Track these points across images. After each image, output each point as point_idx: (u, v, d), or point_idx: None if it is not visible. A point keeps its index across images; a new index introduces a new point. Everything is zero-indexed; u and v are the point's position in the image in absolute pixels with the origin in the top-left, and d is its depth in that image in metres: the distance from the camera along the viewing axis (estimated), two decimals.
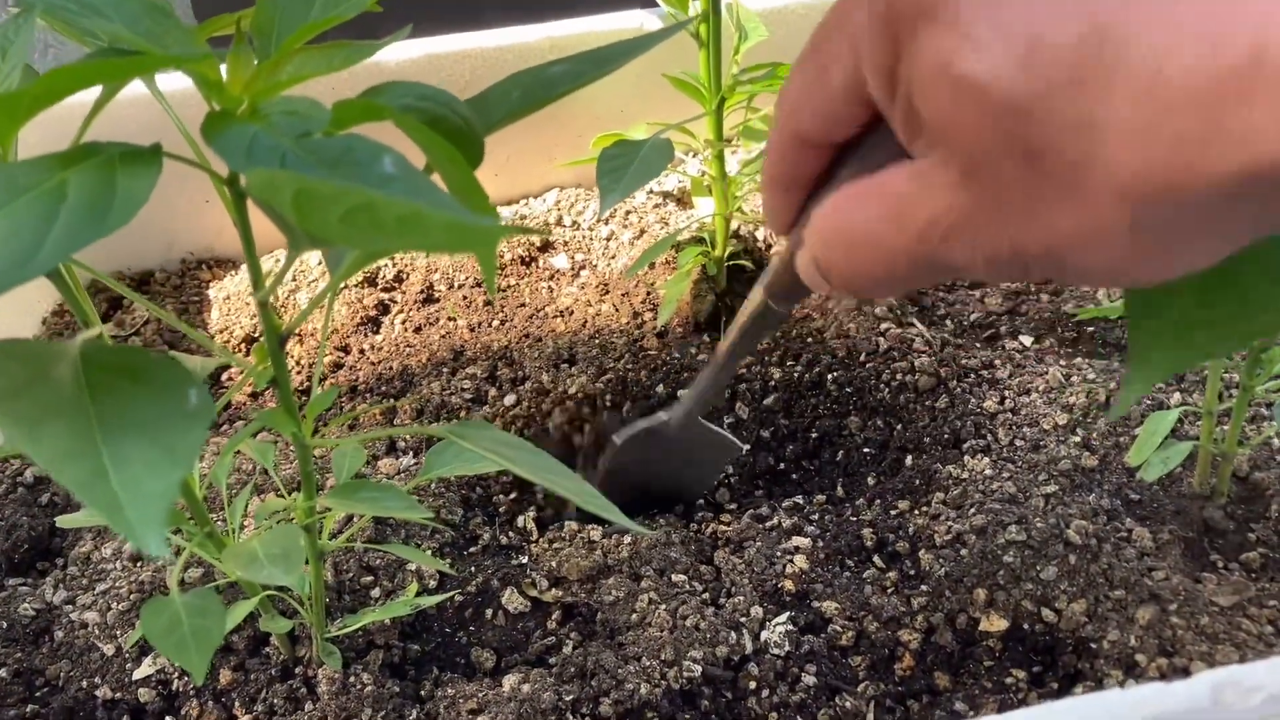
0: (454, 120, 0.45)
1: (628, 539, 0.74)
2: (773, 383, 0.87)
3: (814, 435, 0.84)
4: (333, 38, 0.44)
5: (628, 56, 0.51)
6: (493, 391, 0.87)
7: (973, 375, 0.86)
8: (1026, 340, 0.90)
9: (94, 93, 0.43)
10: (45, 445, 0.33)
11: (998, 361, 0.87)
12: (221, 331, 0.94)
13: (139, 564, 0.72)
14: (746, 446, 0.84)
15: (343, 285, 0.95)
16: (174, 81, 0.48)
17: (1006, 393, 0.83)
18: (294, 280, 0.97)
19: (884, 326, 0.90)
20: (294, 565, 0.51)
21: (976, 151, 0.34)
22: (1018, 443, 0.79)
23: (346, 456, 0.66)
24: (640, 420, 0.74)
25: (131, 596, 0.69)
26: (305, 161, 0.38)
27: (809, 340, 0.90)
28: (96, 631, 0.68)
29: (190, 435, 0.34)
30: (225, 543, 0.58)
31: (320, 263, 0.98)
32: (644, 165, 0.72)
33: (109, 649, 0.67)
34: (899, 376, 0.86)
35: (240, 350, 0.93)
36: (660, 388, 0.87)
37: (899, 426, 0.84)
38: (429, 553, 0.73)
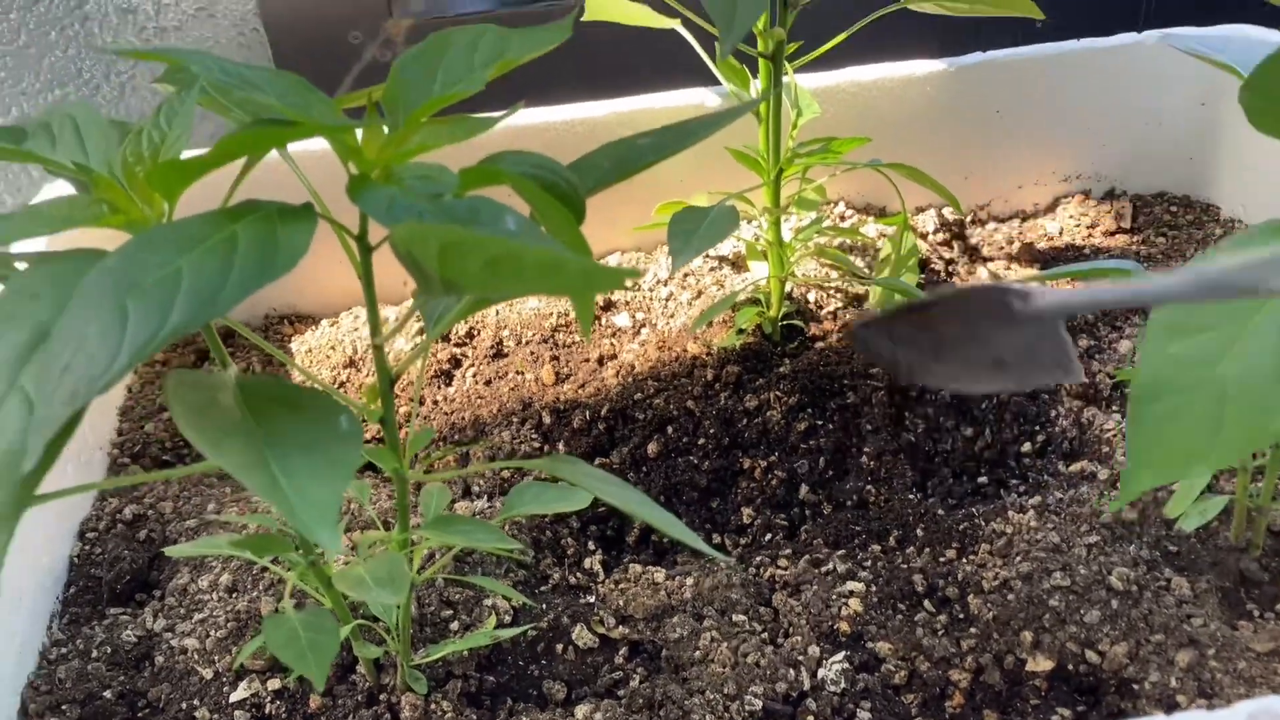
0: (562, 186, 0.50)
1: (690, 580, 0.78)
2: (824, 441, 0.92)
3: (866, 486, 0.88)
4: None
5: (708, 131, 0.57)
6: (561, 439, 0.92)
7: (1016, 429, 0.90)
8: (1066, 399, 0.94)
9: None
10: (229, 458, 0.38)
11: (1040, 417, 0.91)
12: (303, 383, 1.00)
13: (234, 595, 0.77)
14: (1084, 378, 0.84)
15: (419, 339, 1.01)
16: (295, 145, 0.55)
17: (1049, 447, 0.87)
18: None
19: None
20: (400, 587, 0.55)
21: None
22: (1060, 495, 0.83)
23: (433, 495, 0.71)
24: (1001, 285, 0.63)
25: (229, 625, 0.74)
26: (439, 219, 0.44)
27: (863, 402, 0.94)
28: (195, 657, 0.73)
29: (348, 451, 0.39)
30: (325, 572, 0.63)
31: (396, 314, 1.04)
32: (712, 229, 0.78)
33: (207, 673, 0.72)
34: None
35: None
36: (718, 430, 0.91)
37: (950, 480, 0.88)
38: None
